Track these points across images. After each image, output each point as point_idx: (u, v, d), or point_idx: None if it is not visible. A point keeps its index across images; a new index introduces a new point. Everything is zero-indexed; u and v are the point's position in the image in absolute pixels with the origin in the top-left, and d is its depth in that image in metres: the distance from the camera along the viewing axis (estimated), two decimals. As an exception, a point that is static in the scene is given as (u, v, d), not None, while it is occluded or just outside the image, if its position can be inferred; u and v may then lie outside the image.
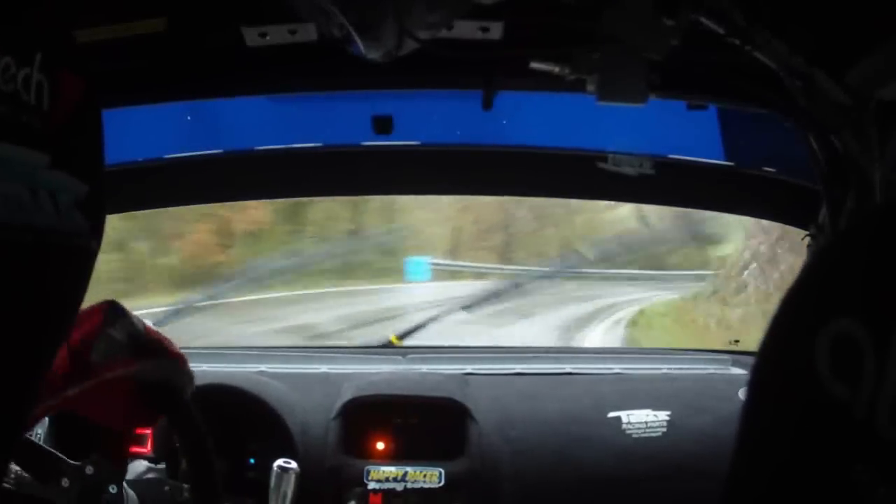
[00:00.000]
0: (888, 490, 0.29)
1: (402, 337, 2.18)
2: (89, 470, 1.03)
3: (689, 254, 13.96)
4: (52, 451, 1.06)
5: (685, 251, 13.86)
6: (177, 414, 1.03)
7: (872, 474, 0.30)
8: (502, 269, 12.41)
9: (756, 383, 0.38)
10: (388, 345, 2.14)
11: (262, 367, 1.79)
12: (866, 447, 0.30)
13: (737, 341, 2.02)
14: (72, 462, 1.03)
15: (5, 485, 0.94)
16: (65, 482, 1.02)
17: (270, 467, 1.41)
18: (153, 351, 0.96)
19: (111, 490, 1.04)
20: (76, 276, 0.50)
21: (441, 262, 12.02)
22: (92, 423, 1.01)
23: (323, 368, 1.83)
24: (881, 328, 0.31)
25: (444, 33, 1.12)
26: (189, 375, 1.01)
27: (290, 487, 1.39)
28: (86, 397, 0.87)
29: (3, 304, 0.43)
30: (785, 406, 0.35)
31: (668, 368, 1.84)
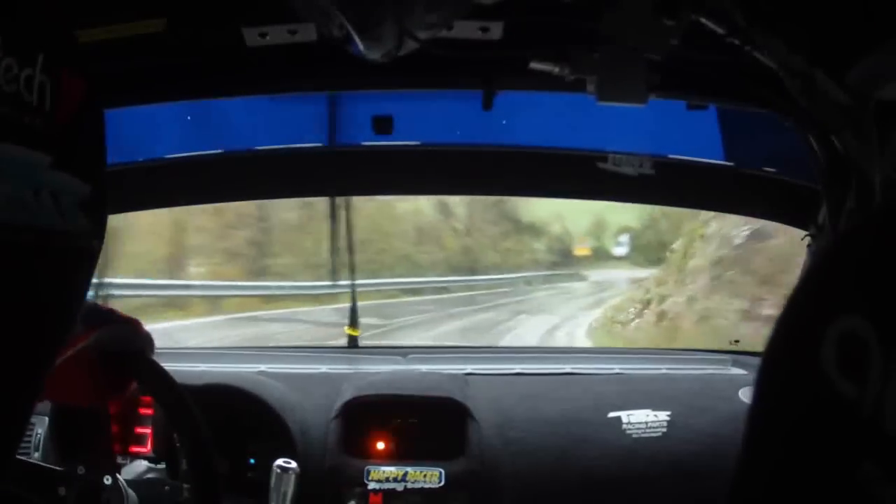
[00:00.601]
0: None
1: (353, 325, 2.16)
2: (81, 470, 1.03)
3: (511, 249, 11.13)
4: (41, 464, 1.06)
5: (507, 245, 11.16)
6: (143, 374, 1.01)
7: (880, 472, 0.30)
8: (245, 287, 7.58)
9: (762, 382, 0.38)
10: (388, 345, 2.14)
11: (262, 367, 1.79)
12: (874, 445, 0.30)
13: (737, 341, 2.02)
14: (61, 469, 1.03)
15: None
16: (61, 491, 1.02)
17: (270, 467, 1.41)
18: (106, 318, 0.96)
19: (106, 481, 1.03)
20: (78, 276, 0.50)
21: (130, 282, 6.46)
22: (61, 403, 1.01)
23: (323, 368, 1.83)
24: (888, 325, 0.31)
25: (444, 33, 1.12)
26: (147, 337, 1.00)
27: (290, 487, 1.39)
28: (51, 381, 0.87)
29: (4, 305, 0.43)
30: (791, 405, 0.35)
31: (668, 368, 1.84)
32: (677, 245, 9.61)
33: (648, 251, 11.26)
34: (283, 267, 9.02)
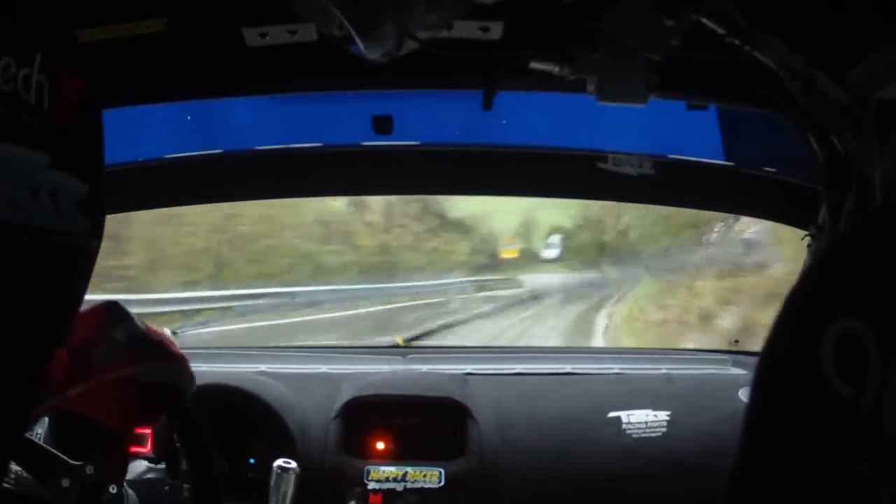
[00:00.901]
0: (893, 489, 0.29)
1: (409, 340, 2.16)
2: (89, 470, 1.04)
3: (438, 249, 9.04)
4: (53, 450, 1.06)
5: (432, 244, 9.14)
6: (177, 415, 1.03)
7: (876, 473, 0.30)
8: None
9: (760, 381, 0.38)
10: (389, 345, 2.14)
11: (262, 367, 1.79)
12: (871, 445, 0.30)
13: (736, 341, 2.02)
14: (72, 462, 1.03)
15: (5, 485, 0.94)
16: (65, 482, 1.02)
17: (270, 467, 1.41)
18: (154, 353, 0.96)
19: (111, 490, 1.04)
20: (76, 276, 0.50)
21: None
22: (93, 422, 1.02)
23: (323, 368, 1.83)
24: (886, 327, 0.31)
25: (444, 33, 1.12)
26: (190, 377, 1.01)
27: (290, 487, 1.39)
28: (87, 397, 0.88)
29: (2, 304, 0.43)
30: (788, 405, 0.35)
31: (668, 368, 1.84)
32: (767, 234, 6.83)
33: (584, 253, 9.93)
34: (134, 270, 6.70)
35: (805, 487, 0.34)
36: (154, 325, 0.96)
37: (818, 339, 0.33)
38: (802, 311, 0.37)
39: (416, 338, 2.09)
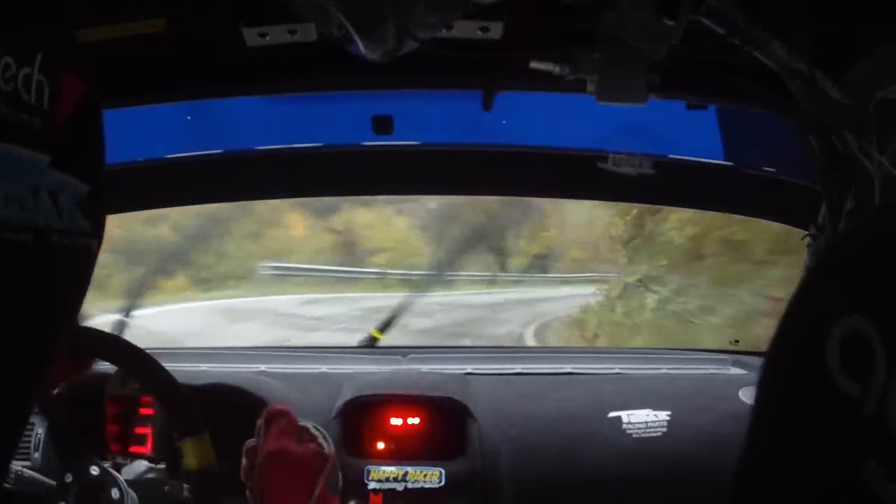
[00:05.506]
0: None
1: (381, 330, 2.15)
2: (94, 471, 1.04)
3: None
4: (80, 444, 1.07)
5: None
6: (176, 415, 1.03)
7: (883, 471, 0.30)
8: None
9: (765, 381, 0.38)
10: (390, 345, 2.14)
11: (262, 367, 1.79)
12: (877, 444, 0.30)
13: (737, 341, 2.02)
14: (54, 483, 1.04)
15: (5, 485, 0.95)
16: (68, 477, 1.03)
17: (270, 467, 1.41)
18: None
19: (114, 495, 1.05)
20: (77, 276, 0.50)
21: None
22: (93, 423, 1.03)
23: (323, 368, 1.83)
24: (891, 326, 0.31)
25: (444, 33, 1.12)
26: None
27: (290, 487, 1.39)
28: None
29: (2, 305, 0.43)
30: (794, 404, 0.35)
31: (668, 368, 1.84)
32: None
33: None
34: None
35: (811, 486, 0.34)
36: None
37: (823, 338, 0.33)
38: (807, 310, 0.37)
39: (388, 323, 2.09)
